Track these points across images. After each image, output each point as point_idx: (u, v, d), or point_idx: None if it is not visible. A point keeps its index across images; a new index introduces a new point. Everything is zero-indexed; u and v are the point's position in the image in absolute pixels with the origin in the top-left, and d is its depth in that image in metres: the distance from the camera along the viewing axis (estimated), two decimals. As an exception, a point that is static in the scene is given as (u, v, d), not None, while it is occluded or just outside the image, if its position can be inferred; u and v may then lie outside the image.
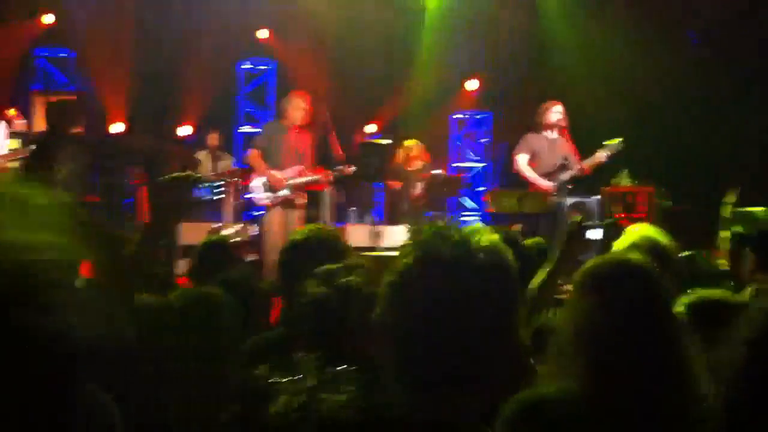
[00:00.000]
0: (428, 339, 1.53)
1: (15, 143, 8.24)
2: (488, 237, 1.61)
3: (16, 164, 7.42)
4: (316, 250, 3.06)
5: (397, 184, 9.87)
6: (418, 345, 1.54)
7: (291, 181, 8.14)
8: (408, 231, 1.64)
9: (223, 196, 9.62)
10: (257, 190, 8.27)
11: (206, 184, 9.51)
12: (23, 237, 0.78)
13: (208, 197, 9.51)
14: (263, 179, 8.22)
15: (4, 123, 8.31)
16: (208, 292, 2.63)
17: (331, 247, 3.13)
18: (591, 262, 2.05)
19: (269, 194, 8.19)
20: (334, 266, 2.62)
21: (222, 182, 9.78)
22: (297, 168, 8.17)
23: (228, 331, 2.55)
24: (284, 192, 8.14)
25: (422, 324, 1.53)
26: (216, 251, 4.01)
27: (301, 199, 8.29)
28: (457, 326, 1.53)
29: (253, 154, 8.36)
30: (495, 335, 1.56)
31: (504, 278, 1.58)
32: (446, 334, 1.53)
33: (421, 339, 1.53)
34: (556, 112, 8.25)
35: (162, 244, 9.01)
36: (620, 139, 8.09)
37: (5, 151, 8.00)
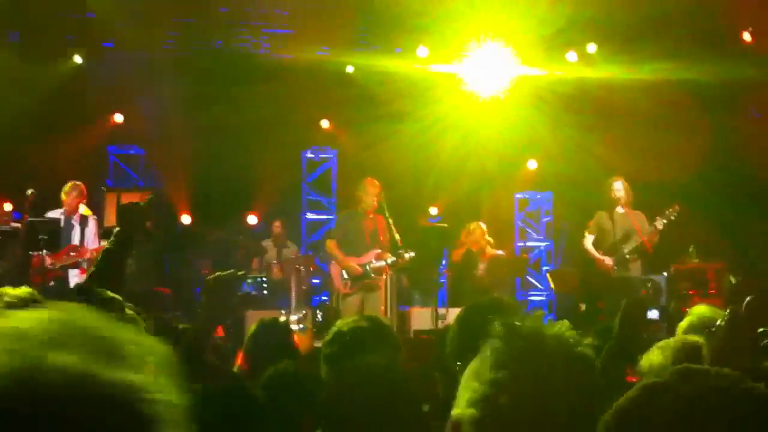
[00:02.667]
0: None
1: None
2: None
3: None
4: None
5: (458, 261, 9.87)
6: None
7: (373, 265, 8.24)
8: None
9: (266, 292, 9.78)
10: (337, 276, 8.38)
11: (250, 280, 9.71)
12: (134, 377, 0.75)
13: (254, 292, 9.69)
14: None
15: (94, 219, 8.60)
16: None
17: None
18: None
19: (349, 281, 8.27)
20: None
21: (265, 278, 9.97)
22: (374, 252, 8.29)
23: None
24: (368, 275, 8.23)
25: None
26: (266, 334, 4.03)
27: (381, 282, 8.37)
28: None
29: (331, 245, 8.52)
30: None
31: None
32: None
33: None
34: (617, 189, 8.25)
35: (229, 332, 9.17)
36: (675, 205, 7.95)
37: (97, 245, 8.27)
